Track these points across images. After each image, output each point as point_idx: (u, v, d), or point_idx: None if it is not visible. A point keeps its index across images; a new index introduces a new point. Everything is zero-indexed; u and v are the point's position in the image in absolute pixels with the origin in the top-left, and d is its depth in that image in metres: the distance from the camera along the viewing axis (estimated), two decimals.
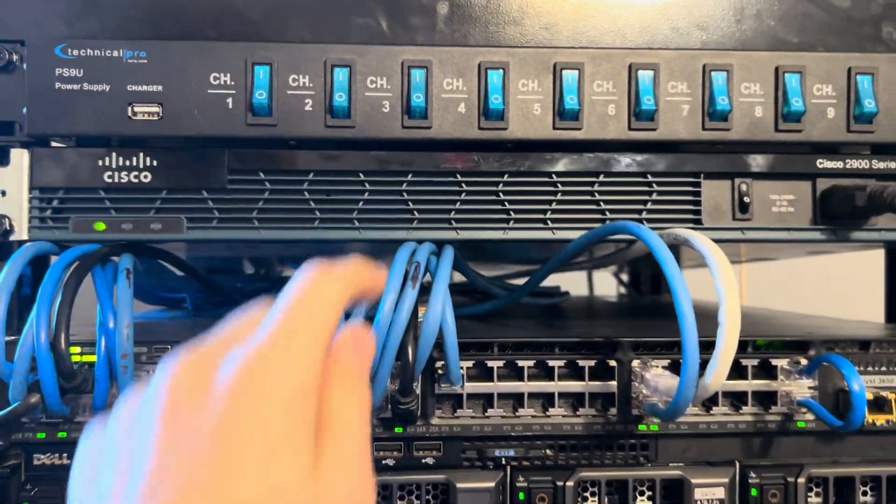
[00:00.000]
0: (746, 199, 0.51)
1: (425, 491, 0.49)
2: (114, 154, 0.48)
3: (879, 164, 0.51)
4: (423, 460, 0.48)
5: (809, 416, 0.49)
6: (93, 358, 0.44)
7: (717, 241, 0.46)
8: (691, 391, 0.40)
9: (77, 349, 0.45)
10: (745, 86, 0.49)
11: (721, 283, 0.39)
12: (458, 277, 0.60)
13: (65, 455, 0.47)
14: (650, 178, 0.50)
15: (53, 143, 0.49)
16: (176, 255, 0.54)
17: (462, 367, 0.48)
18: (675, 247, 0.45)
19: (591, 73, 0.49)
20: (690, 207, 0.51)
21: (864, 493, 0.50)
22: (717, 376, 0.39)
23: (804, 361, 0.48)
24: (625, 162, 0.50)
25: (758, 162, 0.51)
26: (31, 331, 0.42)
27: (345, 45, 0.47)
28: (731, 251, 0.68)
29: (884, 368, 0.49)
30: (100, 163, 0.48)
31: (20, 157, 0.48)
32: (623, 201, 0.50)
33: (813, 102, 0.49)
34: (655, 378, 0.46)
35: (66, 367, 0.42)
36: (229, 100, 0.47)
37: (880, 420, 0.47)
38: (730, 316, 0.38)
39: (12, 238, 0.48)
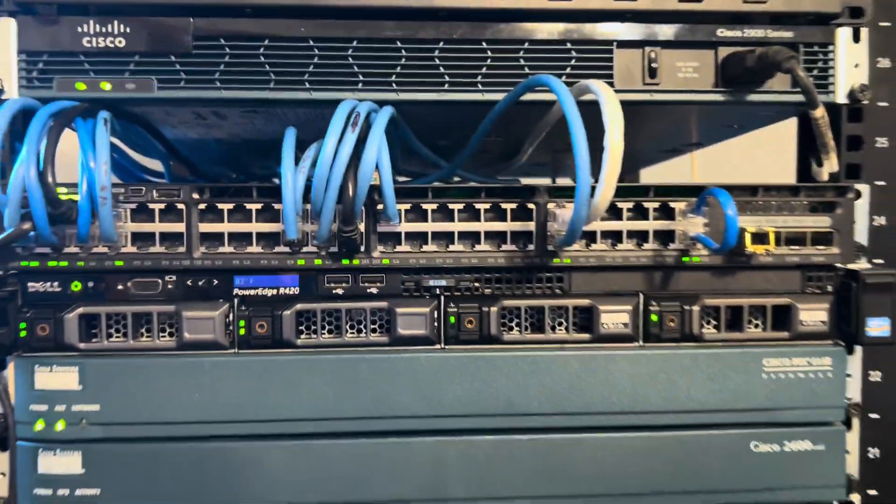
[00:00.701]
0: (654, 66, 0.57)
1: (370, 312, 0.56)
2: (91, 21, 0.54)
3: (774, 34, 0.57)
4: (368, 290, 0.56)
5: (704, 252, 0.56)
6: (77, 196, 0.51)
7: (628, 102, 0.54)
8: (584, 210, 0.48)
9: (63, 189, 0.52)
10: None
11: (607, 116, 0.46)
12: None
13: (55, 283, 0.54)
14: (569, 46, 0.57)
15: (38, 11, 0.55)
16: (148, 120, 0.61)
17: (400, 210, 0.55)
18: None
19: None
20: (605, 72, 0.57)
21: (751, 321, 0.58)
22: (604, 195, 0.46)
23: None
24: (547, 30, 0.56)
25: (664, 31, 0.57)
26: (22, 164, 0.49)
27: None
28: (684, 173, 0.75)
29: (766, 210, 0.57)
30: (79, 29, 0.54)
31: (7, 25, 0.54)
32: (545, 67, 0.57)
33: None
34: (564, 213, 0.53)
35: (53, 196, 0.49)
36: None
37: (760, 249, 0.54)
38: (612, 142, 0.45)
39: (3, 97, 0.55)
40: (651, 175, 1.06)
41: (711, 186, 0.54)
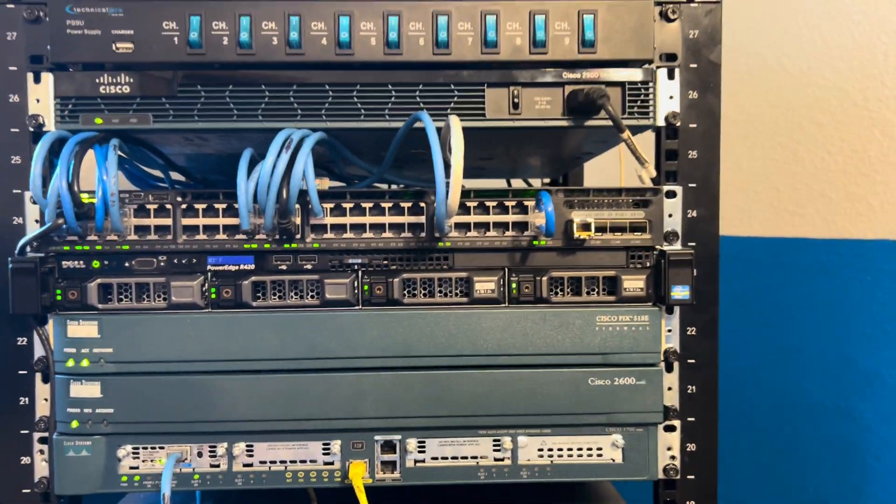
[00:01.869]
0: (517, 100, 0.77)
1: (307, 285, 0.78)
2: (105, 74, 0.76)
3: (605, 75, 0.77)
4: (304, 266, 0.77)
5: (548, 238, 0.77)
6: (94, 199, 0.73)
7: (496, 128, 0.74)
8: (443, 207, 0.68)
9: (85, 195, 0.74)
10: (508, 24, 0.76)
11: (454, 139, 0.66)
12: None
13: (80, 261, 0.76)
14: (452, 87, 0.77)
15: (69, 69, 0.77)
16: (149, 142, 0.83)
17: (327, 207, 0.76)
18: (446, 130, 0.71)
19: (408, 17, 0.75)
20: (479, 106, 0.77)
21: (588, 290, 0.78)
22: (453, 197, 0.67)
23: None
24: (435, 76, 0.77)
25: (523, 75, 0.77)
26: (57, 177, 0.71)
27: (247, 2, 0.74)
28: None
29: (598, 205, 0.77)
30: (97, 80, 0.76)
31: (47, 78, 0.76)
32: (435, 102, 0.77)
33: (554, 34, 0.76)
34: None
35: (78, 200, 0.71)
36: (175, 38, 0.75)
37: (584, 235, 0.74)
38: (455, 161, 0.66)
39: (44, 130, 0.77)
40: (591, 164, 1.24)
41: (542, 190, 0.75)
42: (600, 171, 1.25)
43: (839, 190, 1.36)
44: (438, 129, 0.70)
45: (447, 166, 0.67)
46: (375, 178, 0.86)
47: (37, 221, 0.77)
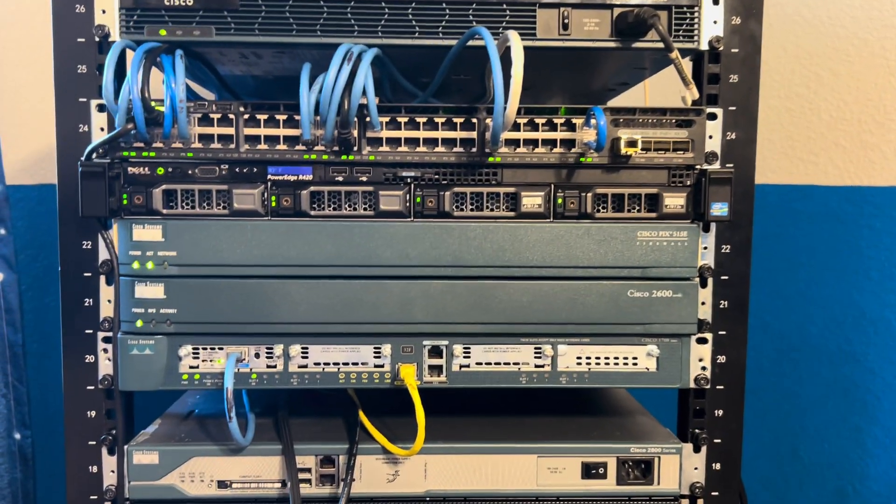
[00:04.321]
0: (567, 21, 0.80)
1: (362, 196, 0.81)
2: None
3: None
4: (360, 178, 0.81)
5: (595, 155, 0.80)
6: (162, 108, 0.76)
7: (546, 48, 0.77)
8: (500, 118, 0.72)
9: (153, 103, 0.77)
10: None
11: (514, 52, 0.69)
12: None
13: (146, 168, 0.79)
14: (505, 7, 0.80)
15: None
16: (207, 57, 0.86)
17: (382, 122, 0.79)
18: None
19: None
20: (530, 26, 0.80)
21: (630, 207, 0.82)
22: (511, 108, 0.70)
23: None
24: None
25: None
26: (127, 83, 0.74)
27: None
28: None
29: (643, 125, 0.80)
30: None
31: None
32: (487, 21, 0.80)
33: None
34: None
35: (148, 105, 0.74)
36: None
37: (630, 151, 0.78)
38: (516, 72, 0.69)
39: (110, 40, 0.79)
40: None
41: (595, 106, 0.78)
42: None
43: (853, 138, 1.40)
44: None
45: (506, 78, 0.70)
46: (421, 101, 0.89)
47: (102, 129, 0.80)
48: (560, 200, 0.81)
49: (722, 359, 0.85)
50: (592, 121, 0.78)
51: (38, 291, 1.34)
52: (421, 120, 0.79)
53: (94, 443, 0.83)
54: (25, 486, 1.24)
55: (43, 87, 1.28)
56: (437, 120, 0.79)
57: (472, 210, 0.82)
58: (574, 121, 0.80)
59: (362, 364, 0.82)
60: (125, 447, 0.81)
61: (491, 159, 0.80)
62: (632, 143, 0.78)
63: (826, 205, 1.41)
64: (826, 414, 1.42)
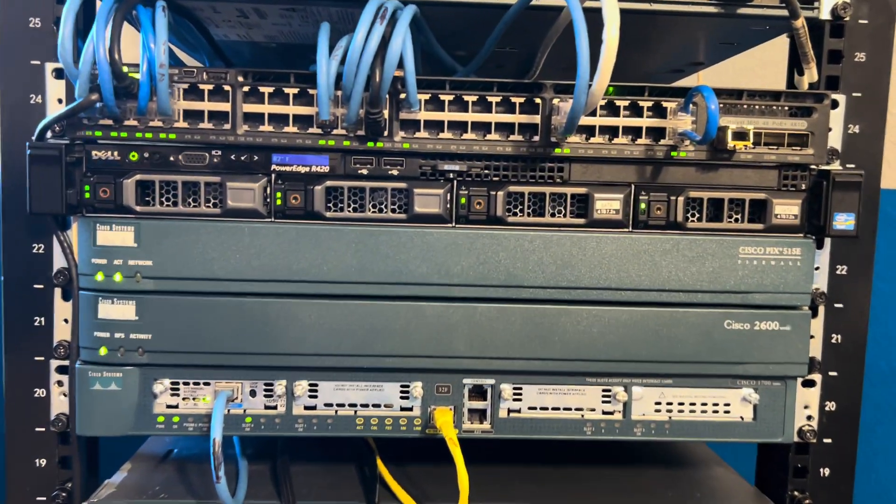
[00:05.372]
0: None
1: (391, 194, 0.64)
2: None
3: None
4: (389, 172, 0.63)
5: (691, 149, 0.63)
6: (137, 75, 0.58)
7: (633, 10, 0.60)
8: (583, 98, 0.54)
9: (126, 68, 0.59)
10: None
11: (606, 14, 0.52)
12: None
13: (115, 152, 0.61)
14: None
15: None
16: (196, 14, 0.68)
17: (420, 100, 0.62)
18: None
19: None
20: None
21: (730, 214, 0.65)
22: (601, 83, 0.53)
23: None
24: None
25: None
26: (91, 41, 0.56)
27: None
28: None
29: (749, 113, 0.63)
30: None
31: None
32: None
33: None
34: (566, 106, 0.60)
35: (118, 70, 0.56)
36: None
37: (739, 145, 0.61)
38: (609, 36, 0.52)
39: None
40: None
41: (701, 86, 0.61)
42: None
43: None
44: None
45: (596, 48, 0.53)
46: (465, 73, 0.72)
47: (60, 102, 0.62)
48: (643, 205, 0.63)
49: (831, 406, 0.68)
50: (693, 105, 0.61)
51: None
52: (470, 98, 0.62)
53: (44, 499, 0.65)
54: None
55: None
56: (490, 99, 0.62)
57: (530, 215, 0.64)
58: (665, 104, 0.62)
59: (386, 406, 0.65)
60: None
61: (557, 151, 0.62)
62: (741, 135, 0.61)
63: None
64: None
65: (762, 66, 0.90)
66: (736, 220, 0.65)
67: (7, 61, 0.62)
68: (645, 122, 0.62)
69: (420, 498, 0.65)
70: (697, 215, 0.65)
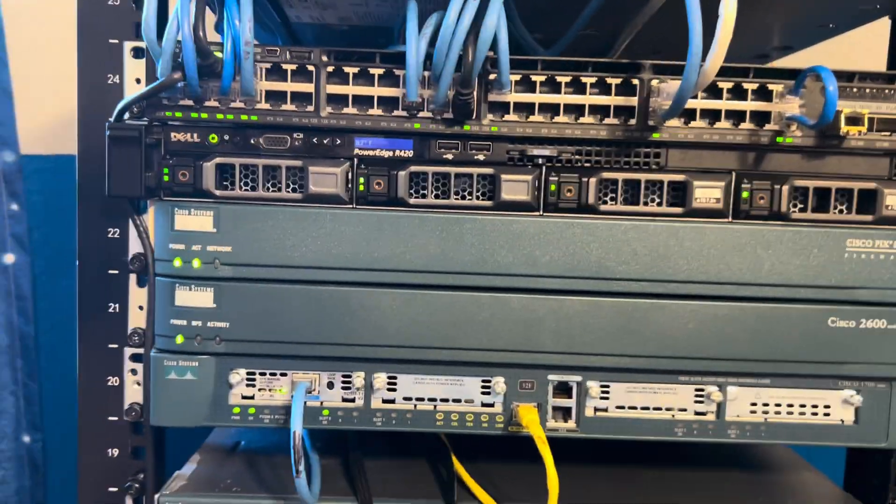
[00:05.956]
0: None
1: (477, 178, 0.61)
2: None
3: None
4: (476, 157, 0.60)
5: (798, 134, 0.59)
6: (221, 53, 0.56)
7: None
8: (693, 77, 0.51)
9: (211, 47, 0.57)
10: None
11: None
12: None
13: (195, 134, 0.59)
14: None
15: None
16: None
17: (510, 81, 0.59)
18: None
19: None
20: None
21: (837, 205, 0.61)
22: (715, 61, 0.49)
23: None
24: None
25: None
26: (176, 18, 0.54)
27: None
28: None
29: (861, 97, 0.59)
30: None
31: None
32: None
33: None
34: (667, 88, 0.56)
35: (203, 47, 0.54)
36: None
37: (854, 130, 0.57)
38: (727, 12, 0.48)
39: None
40: None
41: (817, 66, 0.57)
42: None
43: None
44: None
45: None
46: (554, 52, 0.68)
47: (138, 82, 0.61)
48: (746, 194, 0.60)
49: None
50: (804, 88, 0.57)
51: (52, 275, 1.14)
52: (563, 80, 0.59)
53: (116, 489, 0.64)
54: (35, 495, 1.09)
55: (66, 29, 1.07)
56: (584, 80, 0.59)
57: (623, 203, 0.61)
58: (771, 87, 0.59)
59: (466, 402, 0.62)
60: (156, 496, 0.61)
61: (655, 135, 0.59)
62: (854, 120, 0.57)
63: None
64: None
65: (852, 50, 0.85)
66: (843, 212, 0.61)
67: (85, 40, 0.60)
68: (750, 105, 0.59)
69: (499, 498, 0.63)
70: (802, 205, 0.61)
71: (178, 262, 0.60)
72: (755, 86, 0.59)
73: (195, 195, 0.60)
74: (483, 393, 0.62)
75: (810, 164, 0.60)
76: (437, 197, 0.61)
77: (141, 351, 0.62)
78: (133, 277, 0.62)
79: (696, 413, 0.63)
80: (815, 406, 0.63)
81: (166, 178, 0.59)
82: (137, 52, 0.60)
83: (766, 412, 0.63)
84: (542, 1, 0.64)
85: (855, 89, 0.59)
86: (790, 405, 0.63)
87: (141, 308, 0.62)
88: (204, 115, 0.58)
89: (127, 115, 0.59)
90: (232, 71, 0.56)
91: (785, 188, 0.60)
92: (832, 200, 0.61)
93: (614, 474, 0.70)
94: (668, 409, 0.63)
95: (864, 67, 0.63)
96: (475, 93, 0.58)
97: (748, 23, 0.69)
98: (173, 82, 0.55)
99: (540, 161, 0.60)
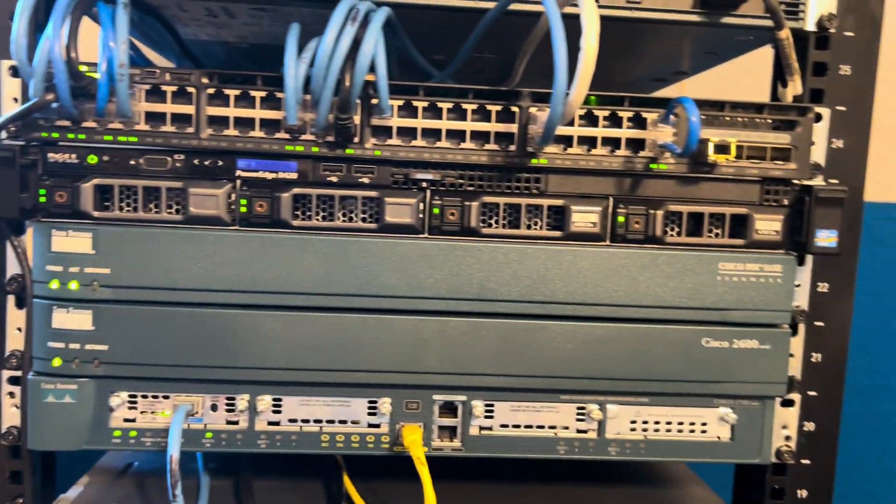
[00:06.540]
0: None
1: (361, 203, 0.61)
2: None
3: None
4: (360, 180, 0.61)
5: (672, 162, 0.61)
6: (96, 74, 0.56)
7: (613, 17, 0.58)
8: (560, 107, 0.52)
9: (84, 67, 0.56)
10: None
11: (585, 21, 0.50)
12: None
13: (73, 155, 0.59)
14: None
15: None
16: (163, 15, 0.65)
17: (393, 106, 0.59)
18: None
19: None
20: None
21: (710, 229, 0.63)
22: (579, 92, 0.51)
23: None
24: None
25: None
26: (48, 39, 0.53)
27: None
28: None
29: (732, 125, 0.61)
30: None
31: None
32: None
33: None
34: (543, 116, 0.58)
35: (75, 70, 0.54)
36: None
37: (721, 159, 0.59)
38: (588, 45, 0.50)
39: None
40: None
41: (682, 97, 0.59)
42: None
43: None
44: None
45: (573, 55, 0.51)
46: (440, 78, 0.70)
47: (15, 100, 0.60)
48: (622, 218, 0.61)
49: (810, 426, 0.67)
50: (674, 116, 0.59)
51: None
52: (445, 105, 0.60)
53: None
54: None
55: None
56: (465, 106, 0.60)
57: (505, 227, 0.62)
58: (645, 115, 0.61)
59: (353, 423, 0.63)
60: None
61: (534, 161, 0.60)
62: (722, 149, 0.59)
63: None
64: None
65: (746, 74, 0.88)
66: (716, 235, 0.63)
67: None
68: (624, 132, 0.61)
69: None
70: (677, 229, 0.63)
71: (55, 284, 0.59)
72: (630, 114, 0.61)
73: (73, 216, 0.59)
74: (370, 414, 0.63)
75: (685, 190, 0.62)
76: (322, 219, 0.61)
77: (19, 374, 0.61)
78: (11, 300, 0.61)
79: (578, 431, 0.64)
80: (692, 424, 0.65)
81: (43, 198, 0.58)
82: (15, 71, 0.59)
83: (645, 430, 0.64)
84: (430, 27, 0.65)
85: (727, 118, 0.62)
86: (669, 423, 0.65)
87: (19, 330, 0.61)
88: (81, 136, 0.58)
89: (3, 135, 0.58)
90: (107, 93, 0.55)
91: (659, 213, 0.62)
92: (705, 225, 0.63)
93: (504, 491, 0.71)
94: (550, 428, 0.64)
95: (763, 92, 0.66)
96: (357, 117, 0.59)
97: (637, 52, 0.72)
98: (46, 104, 0.55)
99: (424, 185, 0.61)
